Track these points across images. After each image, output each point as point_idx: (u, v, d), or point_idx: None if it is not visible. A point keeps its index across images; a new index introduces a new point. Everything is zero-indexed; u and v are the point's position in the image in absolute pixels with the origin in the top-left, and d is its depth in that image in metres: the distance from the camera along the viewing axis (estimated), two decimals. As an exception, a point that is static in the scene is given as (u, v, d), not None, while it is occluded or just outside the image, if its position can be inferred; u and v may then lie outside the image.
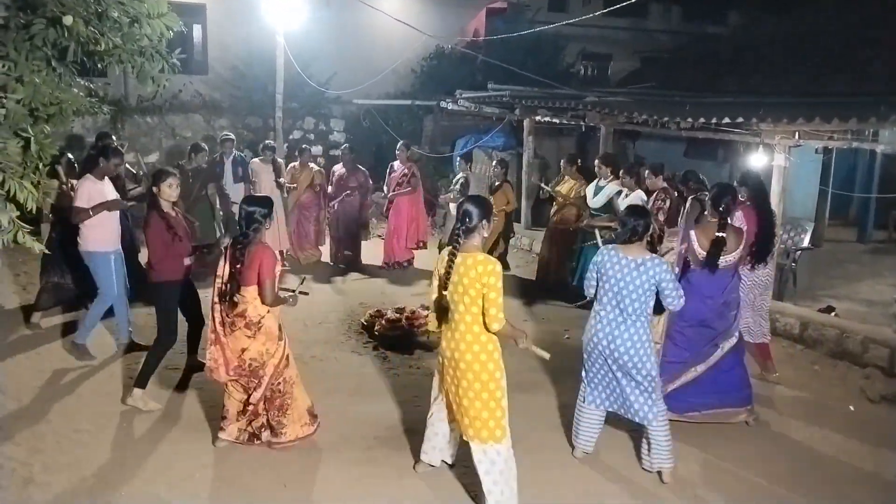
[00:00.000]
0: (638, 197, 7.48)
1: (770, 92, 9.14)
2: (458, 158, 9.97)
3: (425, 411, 4.53)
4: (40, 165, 3.75)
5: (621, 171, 7.80)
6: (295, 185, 9.30)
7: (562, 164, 8.96)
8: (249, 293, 4.42)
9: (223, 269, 4.48)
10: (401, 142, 9.89)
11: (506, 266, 9.00)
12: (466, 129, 13.40)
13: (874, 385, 5.93)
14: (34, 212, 3.76)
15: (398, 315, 6.89)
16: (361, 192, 9.68)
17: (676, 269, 5.09)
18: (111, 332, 6.47)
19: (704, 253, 4.99)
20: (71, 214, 5.79)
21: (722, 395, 5.13)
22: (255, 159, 9.39)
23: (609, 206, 7.82)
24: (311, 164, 9.66)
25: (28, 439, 4.68)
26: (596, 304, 4.53)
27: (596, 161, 8.26)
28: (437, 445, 4.37)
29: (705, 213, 5.22)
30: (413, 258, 9.87)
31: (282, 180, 9.22)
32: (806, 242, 8.75)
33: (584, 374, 4.72)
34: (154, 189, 5.25)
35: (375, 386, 5.85)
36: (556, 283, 8.57)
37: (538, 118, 10.85)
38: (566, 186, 8.68)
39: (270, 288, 4.38)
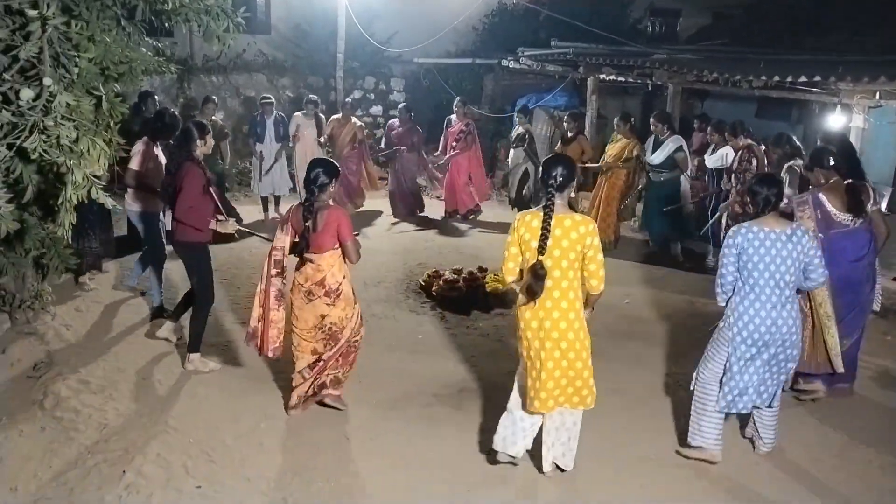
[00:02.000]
0: (723, 153, 7.47)
1: (850, 50, 8.69)
2: (516, 112, 9.90)
3: (482, 370, 4.58)
4: (111, 123, 3.85)
5: (709, 128, 7.81)
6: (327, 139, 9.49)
7: (615, 121, 8.82)
8: (325, 260, 4.28)
9: (282, 240, 4.35)
10: (458, 98, 9.90)
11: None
12: (528, 88, 13.17)
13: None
14: (107, 168, 3.88)
15: (456, 276, 6.91)
16: (416, 151, 9.82)
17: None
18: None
19: (839, 212, 4.70)
20: (125, 174, 5.89)
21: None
22: (298, 113, 9.61)
23: (669, 162, 7.98)
24: (353, 119, 9.77)
25: (104, 387, 4.90)
26: (743, 290, 3.97)
27: (651, 118, 8.23)
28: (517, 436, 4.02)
29: (813, 176, 4.90)
30: (478, 207, 9.97)
31: (322, 139, 9.43)
32: (883, 208, 8.36)
33: (723, 374, 4.09)
34: (192, 139, 5.09)
35: (433, 345, 5.91)
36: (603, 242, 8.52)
37: (603, 76, 10.59)
38: (617, 146, 8.55)
39: (353, 248, 4.28)
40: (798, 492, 4.06)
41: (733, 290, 4.02)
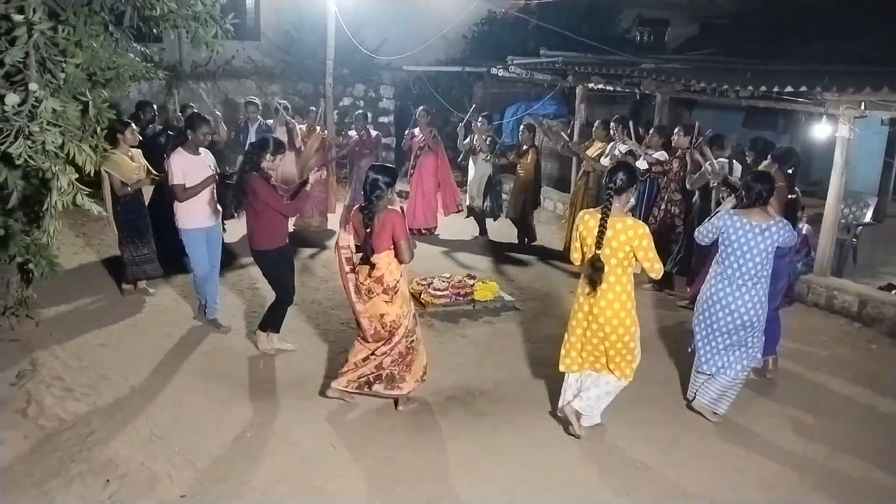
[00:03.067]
0: (629, 148, 7.78)
1: (836, 60, 8.77)
2: (481, 118, 9.58)
3: (470, 378, 4.60)
4: (98, 129, 3.83)
5: (651, 131, 8.08)
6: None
7: (595, 126, 8.90)
8: (383, 259, 4.50)
9: (347, 240, 4.60)
10: (421, 107, 9.78)
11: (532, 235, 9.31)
12: (517, 96, 13.21)
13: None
14: (92, 174, 3.85)
15: (445, 284, 6.91)
16: (375, 158, 9.43)
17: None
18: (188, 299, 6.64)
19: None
20: (175, 193, 5.65)
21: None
22: (270, 121, 9.29)
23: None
24: (318, 128, 9.54)
25: (88, 395, 4.86)
26: (716, 267, 4.71)
27: (611, 123, 8.38)
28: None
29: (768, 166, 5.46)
30: (436, 227, 9.77)
31: (297, 142, 9.11)
32: (868, 218, 8.44)
33: (700, 341, 4.81)
34: (259, 152, 5.17)
35: (421, 353, 5.89)
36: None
37: (591, 85, 10.62)
38: (593, 149, 8.64)
39: (407, 248, 4.48)
40: (756, 492, 4.07)
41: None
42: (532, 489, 4.06)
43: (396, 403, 4.84)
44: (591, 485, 4.13)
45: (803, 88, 6.85)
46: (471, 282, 6.99)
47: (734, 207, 4.79)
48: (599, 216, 4.15)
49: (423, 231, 9.70)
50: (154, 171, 6.44)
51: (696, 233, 4.88)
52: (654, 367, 5.56)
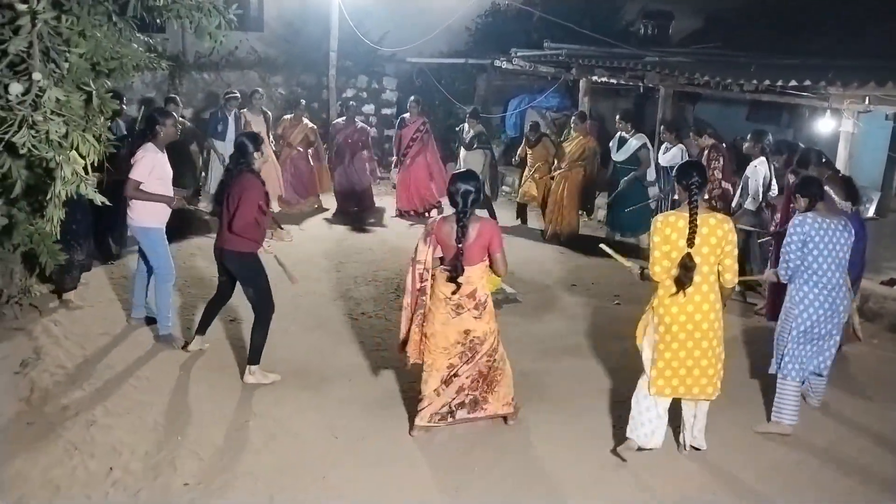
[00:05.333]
0: (679, 150, 7.90)
1: (841, 54, 8.74)
2: (468, 115, 9.76)
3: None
4: (101, 119, 3.84)
5: (662, 128, 8.25)
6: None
7: (572, 120, 9.32)
8: (475, 272, 4.22)
9: (425, 253, 4.29)
10: (413, 97, 9.85)
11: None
12: (520, 88, 13.18)
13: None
14: (96, 165, 3.87)
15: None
16: (366, 149, 9.68)
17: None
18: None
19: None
20: (126, 187, 5.21)
21: None
22: (244, 110, 9.28)
23: (634, 160, 8.45)
24: (305, 120, 9.55)
25: (92, 384, 4.88)
26: (804, 274, 4.52)
27: (617, 117, 8.73)
28: (659, 429, 4.21)
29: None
30: (439, 203, 9.82)
31: (271, 135, 9.13)
32: (871, 213, 8.44)
33: (789, 349, 4.59)
34: (248, 152, 4.90)
35: (423, 344, 5.91)
36: (569, 236, 8.97)
37: (595, 78, 10.59)
38: (574, 144, 8.95)
39: (504, 259, 4.25)
40: (784, 492, 4.08)
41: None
42: (534, 479, 4.08)
43: (506, 419, 4.58)
44: (593, 478, 4.15)
45: (807, 82, 6.83)
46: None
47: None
48: (687, 215, 3.89)
49: (432, 208, 9.79)
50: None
51: (782, 273, 4.61)
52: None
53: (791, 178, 5.84)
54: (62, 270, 5.79)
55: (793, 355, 4.59)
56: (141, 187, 5.19)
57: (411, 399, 4.90)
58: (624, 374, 5.44)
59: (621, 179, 8.60)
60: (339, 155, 9.57)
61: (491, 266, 4.28)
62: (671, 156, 8.00)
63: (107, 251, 7.22)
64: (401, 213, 9.92)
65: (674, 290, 3.94)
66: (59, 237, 5.31)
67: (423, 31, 12.02)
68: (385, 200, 10.48)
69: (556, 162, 9.10)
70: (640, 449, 4.23)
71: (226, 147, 8.80)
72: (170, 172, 5.43)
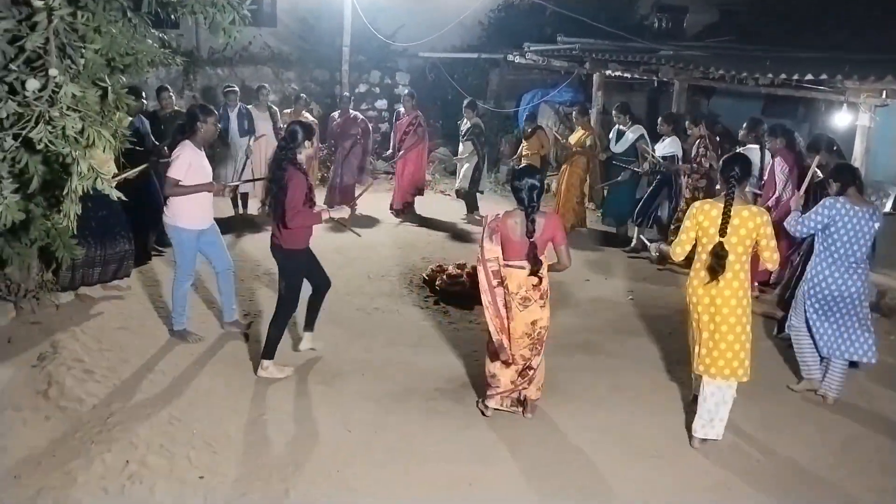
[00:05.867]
0: (672, 141, 8.02)
1: (858, 48, 8.65)
2: (465, 108, 9.85)
3: (484, 365, 4.59)
4: (117, 114, 3.86)
5: (659, 119, 8.32)
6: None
7: (573, 113, 9.59)
8: (545, 266, 4.37)
9: (494, 251, 4.36)
10: (407, 89, 9.88)
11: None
12: (533, 83, 13.14)
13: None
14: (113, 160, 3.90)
15: (459, 270, 6.92)
16: (360, 145, 9.53)
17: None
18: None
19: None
20: (166, 186, 5.25)
21: None
22: (250, 105, 9.16)
23: (632, 151, 8.58)
24: (305, 114, 9.45)
25: (108, 377, 4.92)
26: (824, 254, 4.82)
27: (614, 110, 8.92)
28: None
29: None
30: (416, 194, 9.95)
31: (278, 126, 8.98)
32: (888, 207, 8.35)
33: (810, 322, 4.94)
34: (293, 144, 4.83)
35: (436, 339, 5.92)
36: (573, 226, 8.98)
37: (609, 72, 10.54)
38: (575, 136, 9.16)
39: (568, 253, 4.39)
40: (796, 489, 4.06)
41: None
42: (546, 476, 4.08)
43: (524, 409, 4.65)
44: (606, 472, 4.14)
45: (824, 76, 6.77)
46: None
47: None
48: (722, 205, 4.10)
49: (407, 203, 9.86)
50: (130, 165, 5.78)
51: (794, 225, 4.87)
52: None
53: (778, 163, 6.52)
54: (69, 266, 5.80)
55: (821, 334, 4.90)
56: (180, 184, 5.18)
57: (424, 395, 4.92)
58: (638, 369, 5.44)
59: (619, 170, 8.77)
60: (335, 148, 9.57)
61: (559, 258, 4.40)
62: (665, 146, 8.13)
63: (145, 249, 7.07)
64: (396, 212, 9.87)
65: (706, 277, 4.17)
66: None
67: (435, 25, 12.01)
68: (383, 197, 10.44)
69: (556, 154, 9.39)
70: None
71: (232, 142, 8.75)
72: (208, 170, 5.41)
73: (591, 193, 9.33)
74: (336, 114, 9.74)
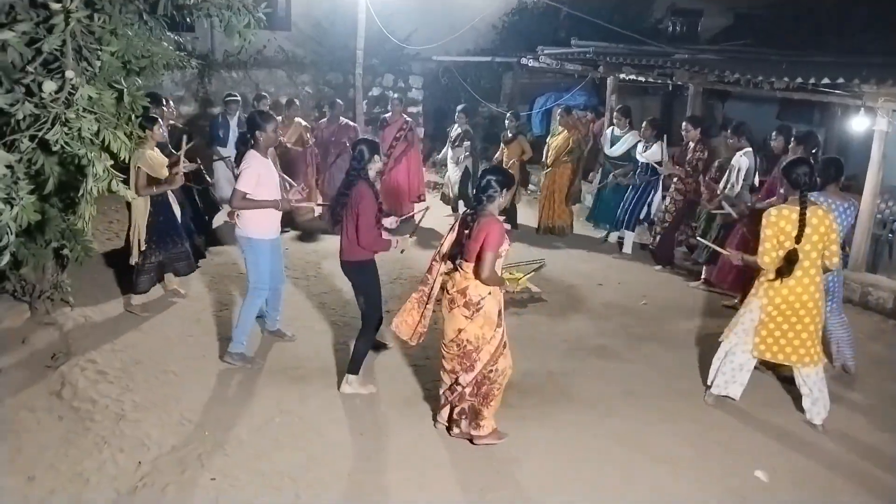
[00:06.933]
0: (658, 147, 8.05)
1: (875, 52, 8.57)
2: (458, 113, 9.67)
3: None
4: (133, 117, 3.88)
5: (644, 124, 8.32)
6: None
7: (558, 113, 9.52)
8: (472, 269, 4.09)
9: (446, 239, 4.26)
10: (395, 95, 9.76)
11: (514, 218, 9.46)
12: (546, 86, 13.12)
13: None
14: (127, 161, 3.91)
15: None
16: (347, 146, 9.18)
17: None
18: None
19: None
20: (231, 197, 5.06)
21: None
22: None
23: (627, 156, 8.59)
24: (298, 119, 9.22)
25: (121, 378, 4.95)
26: None
27: (616, 111, 8.95)
28: (739, 380, 4.83)
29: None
30: (412, 213, 9.73)
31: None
32: (906, 212, 8.23)
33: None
34: (364, 159, 4.73)
35: (448, 343, 5.90)
36: (562, 229, 9.23)
37: (623, 76, 10.50)
38: (560, 138, 9.16)
39: (489, 263, 3.98)
40: (788, 488, 4.02)
41: None
42: (559, 481, 4.05)
43: (449, 429, 4.45)
44: (619, 480, 4.11)
45: (840, 80, 6.70)
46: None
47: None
48: (798, 209, 4.33)
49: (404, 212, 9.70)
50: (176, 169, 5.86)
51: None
52: (683, 362, 5.52)
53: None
54: (139, 271, 5.92)
55: None
56: (247, 196, 5.01)
57: (435, 397, 4.89)
58: (652, 375, 5.40)
59: (611, 173, 8.75)
60: (325, 156, 9.24)
61: (476, 264, 4.05)
62: (651, 153, 8.12)
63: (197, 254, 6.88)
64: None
65: (774, 278, 4.45)
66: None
67: (449, 29, 12.01)
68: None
69: (543, 157, 9.34)
70: (718, 397, 4.87)
71: (230, 152, 8.54)
72: (276, 178, 5.31)
73: (568, 194, 9.25)
74: (323, 122, 9.40)
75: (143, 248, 5.88)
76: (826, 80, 6.84)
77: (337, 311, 6.38)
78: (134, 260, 5.92)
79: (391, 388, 5.01)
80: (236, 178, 5.15)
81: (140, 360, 5.23)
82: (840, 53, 8.96)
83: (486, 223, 4.04)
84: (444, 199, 9.99)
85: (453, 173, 9.70)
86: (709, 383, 4.97)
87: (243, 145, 5.29)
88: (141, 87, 3.90)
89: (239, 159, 5.21)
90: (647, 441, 4.49)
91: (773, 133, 7.09)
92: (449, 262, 4.23)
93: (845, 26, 10.14)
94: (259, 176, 5.01)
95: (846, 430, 4.71)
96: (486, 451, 4.29)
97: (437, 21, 12.35)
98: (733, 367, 4.82)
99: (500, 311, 4.23)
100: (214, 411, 4.60)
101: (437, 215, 9.81)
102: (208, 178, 7.75)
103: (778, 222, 4.40)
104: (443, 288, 4.32)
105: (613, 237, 9.01)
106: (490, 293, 4.14)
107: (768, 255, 4.44)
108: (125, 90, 3.65)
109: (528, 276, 4.38)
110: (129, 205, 5.76)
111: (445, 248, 4.28)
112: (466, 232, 4.09)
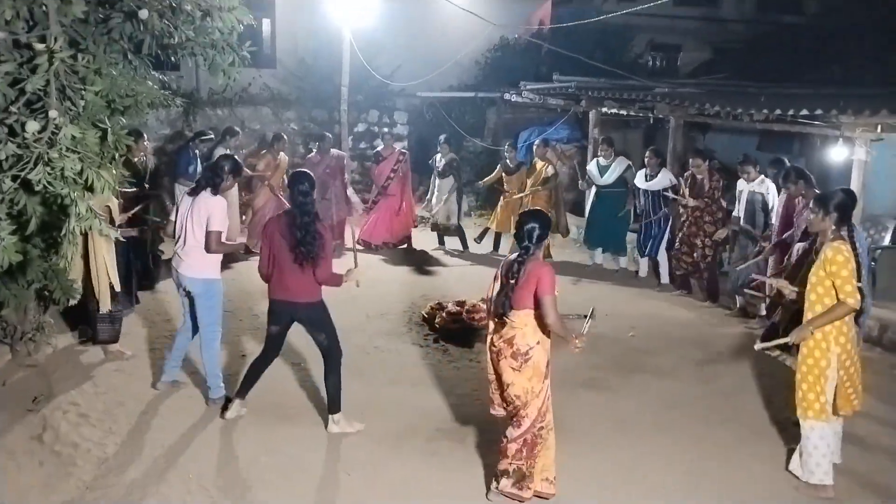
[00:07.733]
0: (665, 176, 8.24)
1: (851, 83, 8.76)
2: (441, 143, 10.00)
3: (485, 404, 4.50)
4: (116, 156, 3.86)
5: (647, 153, 8.50)
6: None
7: (535, 144, 9.74)
8: (520, 318, 3.87)
9: (491, 290, 4.05)
10: (385, 130, 9.96)
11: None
12: (530, 121, 13.26)
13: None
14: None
15: (459, 308, 6.87)
16: (340, 176, 9.56)
17: None
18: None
19: None
20: (209, 241, 4.91)
21: None
22: (217, 150, 8.66)
23: (621, 182, 8.91)
24: (282, 155, 9.26)
25: (103, 421, 4.85)
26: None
27: (600, 142, 9.33)
28: (837, 448, 4.42)
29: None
30: (409, 240, 10.01)
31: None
32: (887, 241, 8.35)
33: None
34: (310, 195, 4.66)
35: (436, 378, 5.85)
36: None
37: (605, 110, 10.65)
38: (535, 167, 9.41)
39: (552, 306, 3.76)
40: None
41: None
42: (550, 517, 3.99)
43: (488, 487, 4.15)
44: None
45: (818, 111, 6.83)
46: (484, 306, 6.94)
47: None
48: (849, 244, 4.13)
49: (393, 244, 9.91)
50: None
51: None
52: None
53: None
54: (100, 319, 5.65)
55: None
56: (222, 241, 4.96)
57: (425, 435, 4.84)
58: (641, 408, 5.37)
59: (605, 203, 9.03)
60: (321, 189, 9.31)
61: (538, 314, 3.85)
62: (659, 180, 8.24)
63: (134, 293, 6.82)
64: (366, 244, 9.68)
65: (847, 327, 4.19)
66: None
67: (433, 65, 12.16)
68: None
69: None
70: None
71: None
72: (235, 218, 5.28)
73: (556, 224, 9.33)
74: (313, 156, 9.44)
75: (117, 290, 5.60)
76: (804, 112, 6.97)
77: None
78: (105, 308, 5.58)
79: (379, 425, 4.93)
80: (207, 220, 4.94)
81: (123, 402, 5.14)
82: (818, 84, 9.15)
83: (534, 267, 3.87)
84: (435, 228, 10.18)
85: (439, 204, 9.83)
86: (813, 482, 4.27)
87: (206, 187, 5.03)
88: (125, 127, 3.89)
89: (194, 192, 5.05)
90: (640, 475, 4.44)
91: (782, 172, 6.73)
92: (496, 320, 4.00)
93: (821, 59, 10.35)
94: (223, 218, 4.98)
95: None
96: (479, 486, 4.23)
97: (421, 57, 12.50)
98: (833, 441, 4.33)
99: (548, 362, 4.01)
100: (199, 453, 4.51)
101: (449, 243, 10.10)
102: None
103: (851, 258, 4.07)
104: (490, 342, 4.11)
105: (600, 258, 9.36)
106: (538, 342, 3.92)
107: (858, 292, 4.05)
108: (109, 129, 3.64)
109: (588, 325, 4.16)
110: (86, 250, 5.43)
111: (492, 299, 4.04)
112: (512, 282, 3.87)
